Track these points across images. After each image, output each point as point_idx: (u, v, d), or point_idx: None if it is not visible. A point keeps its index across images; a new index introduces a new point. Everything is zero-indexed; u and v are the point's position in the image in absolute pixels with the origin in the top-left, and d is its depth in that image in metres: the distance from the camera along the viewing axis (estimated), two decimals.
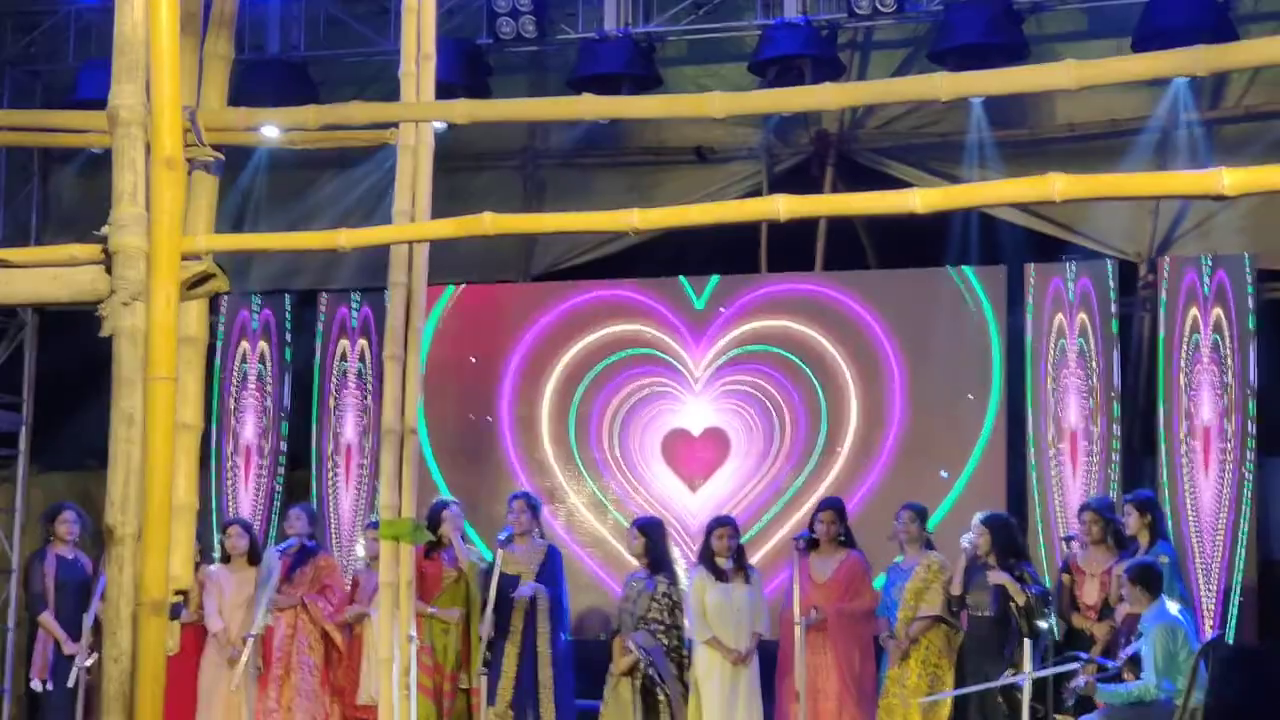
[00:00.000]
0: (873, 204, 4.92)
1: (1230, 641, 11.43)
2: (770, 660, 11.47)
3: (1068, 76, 5.58)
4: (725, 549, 11.52)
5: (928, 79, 5.81)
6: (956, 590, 11.06)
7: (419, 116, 7.15)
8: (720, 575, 11.51)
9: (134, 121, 5.14)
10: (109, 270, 4.97)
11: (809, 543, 11.48)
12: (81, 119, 8.23)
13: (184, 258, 5.04)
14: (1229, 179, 4.52)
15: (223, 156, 6.70)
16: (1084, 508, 11.28)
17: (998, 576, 10.87)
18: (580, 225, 5.96)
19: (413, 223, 7.26)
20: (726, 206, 5.98)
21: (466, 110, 6.51)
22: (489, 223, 4.92)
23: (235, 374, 14.15)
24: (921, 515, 11.45)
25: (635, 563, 11.83)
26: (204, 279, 5.04)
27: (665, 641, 11.43)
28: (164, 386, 4.86)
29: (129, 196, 5.01)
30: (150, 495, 4.85)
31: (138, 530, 4.85)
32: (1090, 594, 10.99)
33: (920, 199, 4.70)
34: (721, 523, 11.69)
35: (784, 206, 4.71)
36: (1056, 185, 4.57)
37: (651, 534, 11.73)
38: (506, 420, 13.72)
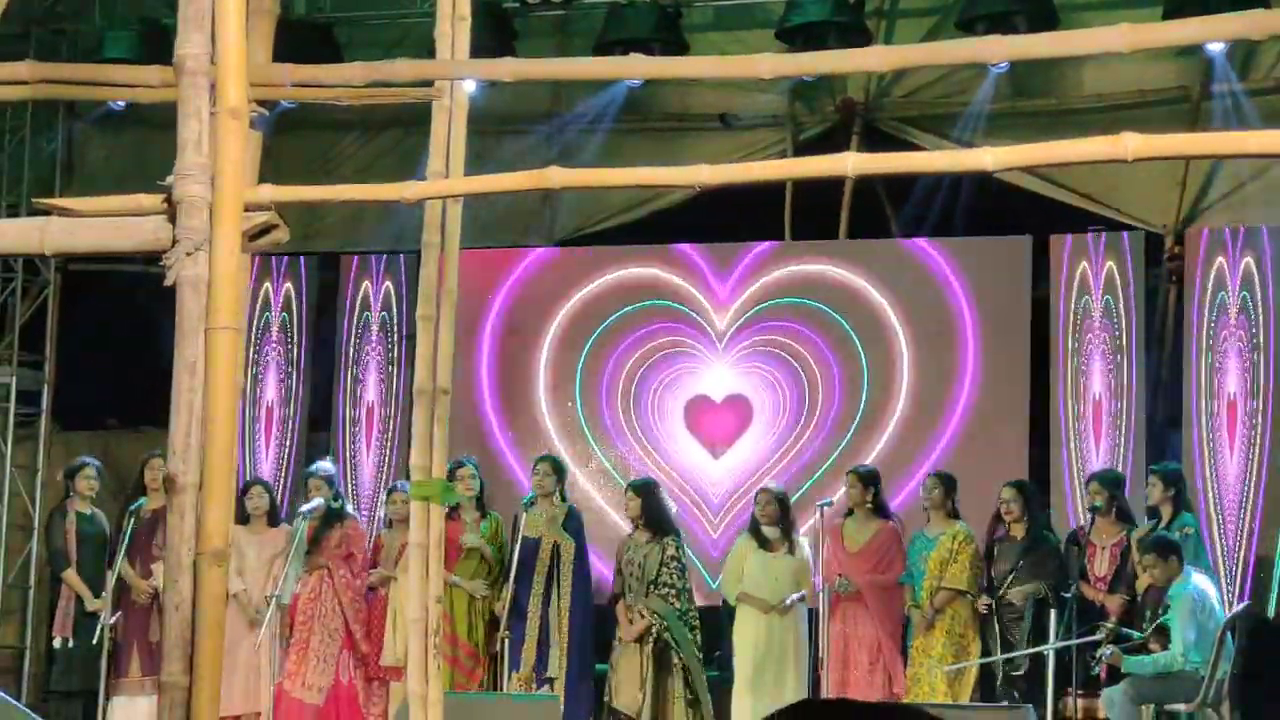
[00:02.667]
0: (944, 162, 4.90)
1: (1255, 613, 11.43)
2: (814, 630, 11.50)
3: (1120, 39, 5.55)
4: (768, 516, 11.53)
5: (977, 41, 5.81)
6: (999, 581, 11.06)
7: (464, 74, 7.11)
8: (764, 544, 11.52)
9: (200, 71, 5.12)
10: (172, 220, 4.97)
11: (846, 510, 11.53)
12: (112, 72, 8.19)
13: (246, 208, 5.05)
14: None
15: (267, 113, 6.66)
16: (1092, 478, 11.31)
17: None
18: (649, 179, 5.94)
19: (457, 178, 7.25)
20: (795, 163, 5.98)
21: (512, 69, 6.46)
22: (556, 177, 4.91)
23: (258, 337, 14.15)
24: (946, 482, 11.46)
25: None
26: (266, 230, 5.05)
27: (679, 605, 11.45)
28: (227, 336, 4.86)
29: (193, 146, 4.99)
30: (212, 445, 4.85)
31: (199, 480, 4.86)
32: (1100, 566, 11.01)
33: (992, 157, 4.69)
34: (764, 491, 11.73)
35: (853, 164, 4.70)
36: (1129, 144, 4.56)
37: (647, 495, 11.74)
38: (537, 383, 13.70)
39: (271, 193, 5.17)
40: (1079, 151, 4.76)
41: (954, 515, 11.40)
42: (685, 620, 11.46)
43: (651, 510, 11.66)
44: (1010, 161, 4.63)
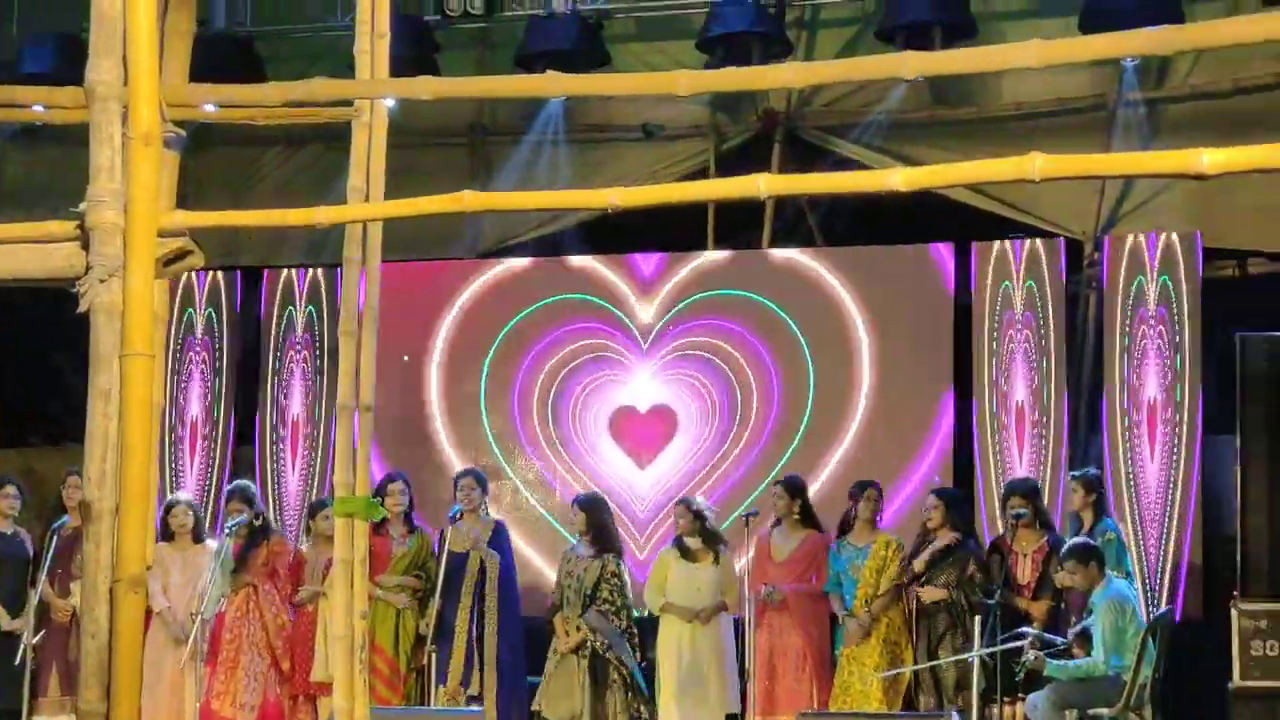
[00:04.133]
0: (854, 182, 4.94)
1: (1176, 617, 11.54)
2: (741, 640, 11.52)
3: (1033, 55, 5.61)
4: (687, 528, 11.56)
5: (894, 57, 5.83)
6: (920, 567, 11.11)
7: (382, 93, 7.12)
8: (686, 554, 11.55)
9: (111, 97, 5.11)
10: (85, 247, 4.95)
11: (774, 520, 11.57)
12: (26, 93, 8.15)
13: (160, 234, 5.02)
14: (1209, 159, 4.56)
15: (184, 133, 6.66)
16: (1011, 489, 11.37)
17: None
18: (561, 202, 5.95)
19: (367, 199, 7.25)
20: (708, 185, 5.99)
21: (431, 87, 6.48)
22: (470, 199, 4.92)
23: (181, 352, 14.07)
24: (878, 492, 11.50)
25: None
26: (181, 255, 5.03)
27: (619, 623, 11.45)
28: (141, 363, 4.85)
29: (106, 172, 4.98)
30: (128, 471, 4.84)
31: (115, 506, 4.84)
32: (1024, 573, 11.07)
33: (901, 177, 4.72)
34: (681, 503, 11.76)
35: (764, 184, 4.72)
36: (1036, 164, 4.60)
37: (593, 510, 11.75)
38: (463, 396, 13.69)
39: (185, 218, 5.17)
40: (987, 172, 4.80)
41: (879, 523, 11.45)
42: (625, 636, 11.47)
43: (597, 526, 11.67)
44: (920, 182, 4.66)
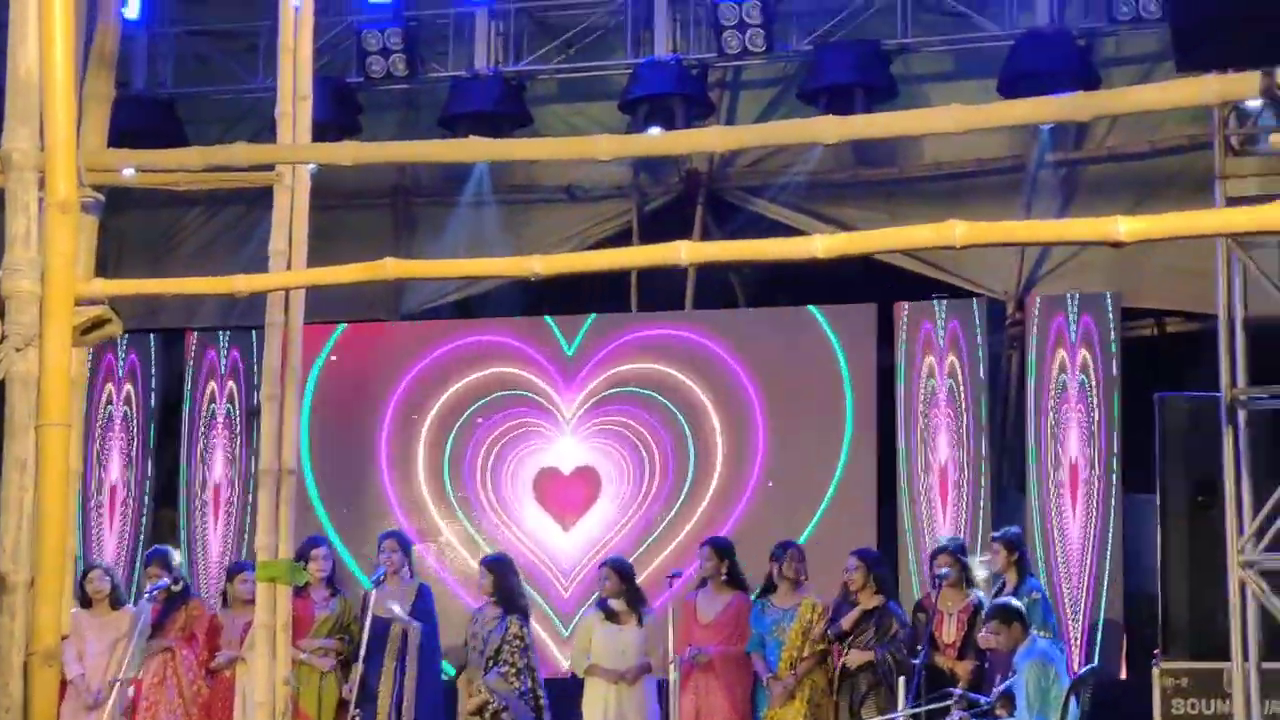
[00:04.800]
0: (774, 250, 4.95)
1: (1099, 676, 11.56)
2: (664, 702, 11.48)
3: (952, 120, 5.66)
4: (612, 590, 11.52)
5: (813, 122, 5.86)
6: (848, 625, 11.10)
7: (303, 159, 7.11)
8: (611, 616, 11.52)
9: (28, 166, 5.07)
10: (1, 315, 4.90)
11: (699, 582, 11.56)
12: None
13: (78, 302, 4.98)
14: (1125, 226, 4.60)
15: (103, 198, 6.62)
16: (939, 549, 11.38)
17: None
18: (483, 270, 5.94)
19: (289, 262, 7.22)
20: (629, 252, 5.99)
21: (352, 153, 6.46)
22: (391, 268, 4.91)
23: (101, 415, 13.96)
24: (801, 554, 11.49)
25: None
26: (99, 324, 4.99)
27: (519, 684, 11.39)
28: (58, 433, 4.80)
29: (22, 240, 4.94)
30: (43, 543, 4.78)
31: (30, 578, 4.78)
32: (949, 633, 11.08)
33: (821, 245, 4.73)
34: (606, 564, 11.73)
35: (686, 253, 4.73)
36: (957, 231, 4.63)
37: (499, 571, 11.71)
38: (383, 459, 13.64)
39: (104, 286, 5.13)
40: (909, 239, 4.82)
41: (803, 585, 11.43)
42: (526, 700, 11.41)
43: (502, 587, 11.62)
44: (840, 249, 4.68)
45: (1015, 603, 10.64)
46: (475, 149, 6.36)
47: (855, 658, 11.02)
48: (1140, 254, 12.54)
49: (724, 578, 11.56)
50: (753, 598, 11.47)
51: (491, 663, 11.39)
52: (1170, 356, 13.00)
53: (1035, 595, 10.95)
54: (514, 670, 11.39)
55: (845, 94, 12.68)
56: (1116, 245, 4.54)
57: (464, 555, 13.41)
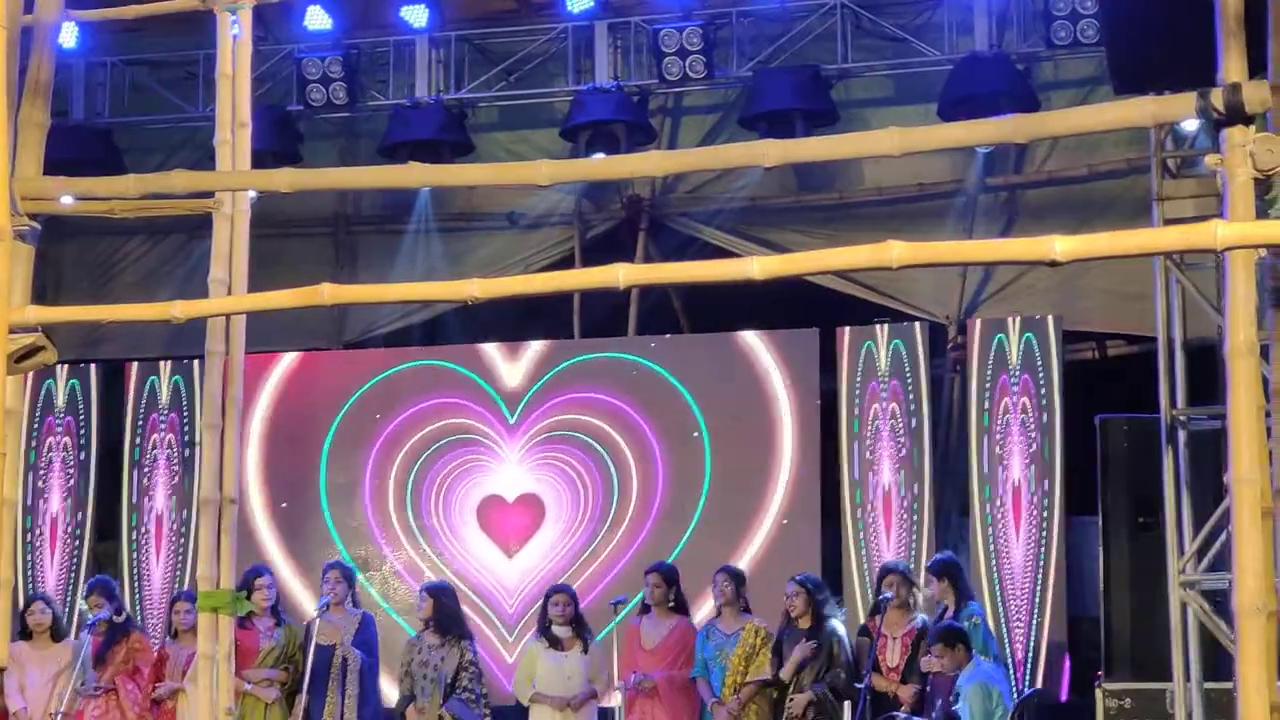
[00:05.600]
0: (711, 272, 4.95)
1: (1043, 698, 11.60)
2: None
3: (891, 143, 5.68)
4: (560, 617, 11.49)
5: (755, 145, 5.87)
6: (787, 677, 11.07)
7: (242, 185, 7.07)
8: (555, 643, 11.48)
9: None
10: None
11: (642, 607, 11.54)
12: None
13: (11, 330, 4.95)
14: (1061, 246, 4.61)
15: (39, 226, 6.58)
16: (886, 570, 11.39)
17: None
18: (421, 295, 5.93)
19: (230, 290, 7.18)
20: (567, 275, 5.99)
21: (290, 179, 6.43)
22: (328, 293, 4.88)
23: (41, 445, 13.87)
24: (737, 578, 11.49)
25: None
26: (33, 351, 4.95)
27: (477, 710, 11.36)
28: None
29: None
30: None
31: None
32: (892, 656, 11.08)
33: (758, 266, 4.73)
34: (557, 590, 11.68)
35: (624, 275, 4.73)
36: (894, 252, 4.64)
37: (441, 597, 11.67)
38: (326, 488, 13.60)
39: (37, 314, 5.10)
40: (846, 260, 4.83)
41: (746, 609, 11.43)
42: None
43: (444, 613, 11.57)
44: (777, 270, 4.68)
45: (958, 625, 10.67)
46: (414, 175, 6.35)
47: (798, 702, 11.01)
48: (1081, 278, 12.64)
49: (670, 604, 11.55)
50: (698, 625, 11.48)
51: (450, 690, 11.34)
52: (1111, 379, 13.07)
53: (975, 620, 10.95)
54: (474, 697, 11.36)
55: (785, 119, 12.73)
56: (1053, 264, 4.56)
57: (408, 584, 13.36)
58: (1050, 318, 12.53)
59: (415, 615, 13.08)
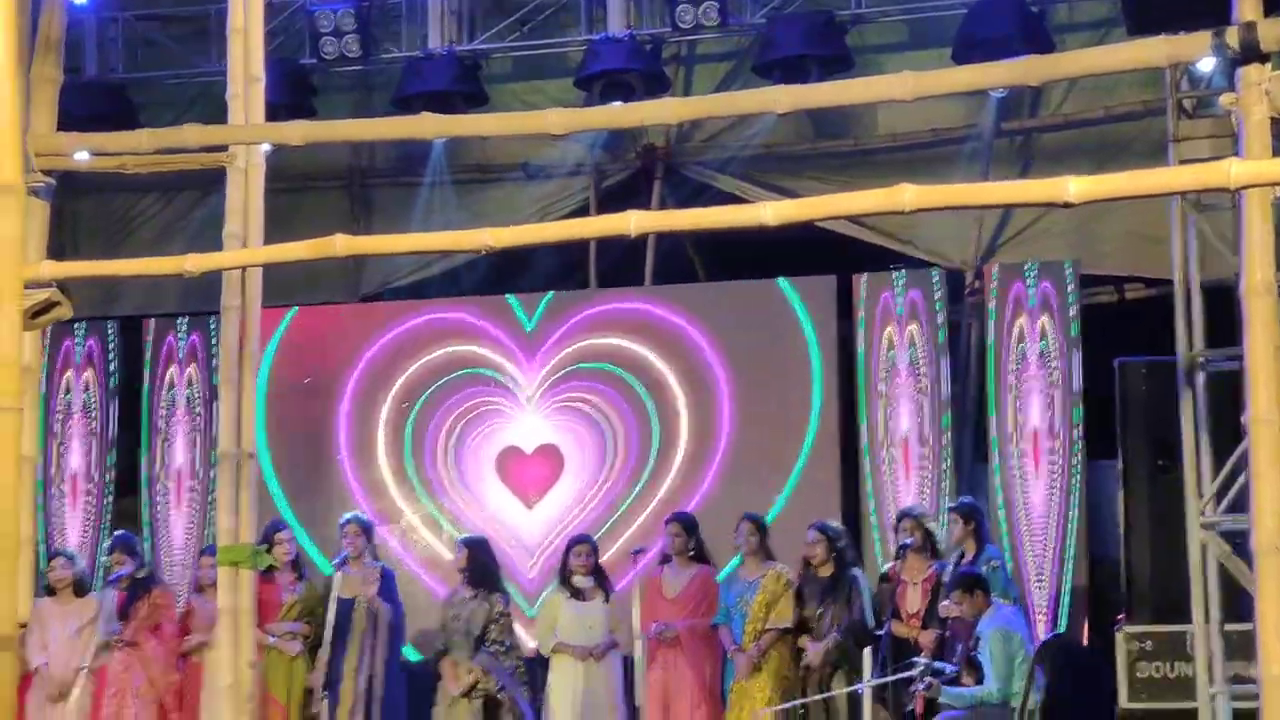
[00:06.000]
0: (724, 218, 4.94)
1: (1064, 642, 11.60)
2: (630, 678, 11.49)
3: (903, 87, 5.67)
4: (583, 567, 11.52)
5: (766, 92, 5.87)
6: (817, 661, 11.08)
7: (254, 139, 7.09)
8: (577, 594, 11.51)
9: None
10: None
11: (663, 557, 11.56)
12: None
13: (26, 285, 4.96)
14: (1075, 187, 4.59)
15: (54, 182, 6.60)
16: (903, 515, 11.40)
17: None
18: (435, 245, 5.94)
19: (244, 245, 7.19)
20: (580, 223, 5.99)
21: (302, 132, 6.45)
22: (341, 244, 4.88)
23: (60, 402, 13.91)
24: (760, 526, 11.50)
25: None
26: (48, 307, 4.96)
27: (507, 663, 11.40)
28: (9, 417, 4.77)
29: None
30: None
31: None
32: (912, 602, 11.09)
33: (771, 212, 4.72)
34: (579, 541, 11.71)
35: (636, 222, 4.72)
36: (907, 195, 4.62)
37: (477, 550, 11.70)
38: (344, 442, 13.62)
39: (51, 269, 5.11)
40: (858, 204, 4.82)
41: (769, 557, 11.44)
42: (516, 677, 11.42)
43: (478, 566, 11.60)
44: (790, 215, 4.67)
45: (976, 570, 10.67)
46: (427, 126, 6.35)
47: (815, 653, 11.02)
48: (1098, 221, 12.60)
49: (690, 553, 11.57)
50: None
51: (479, 642, 11.38)
52: (1130, 322, 13.02)
53: (994, 563, 10.97)
54: (503, 649, 11.40)
55: (800, 66, 12.66)
56: (1066, 206, 4.54)
57: (427, 537, 13.40)
58: (1067, 261, 12.48)
59: (435, 568, 13.16)
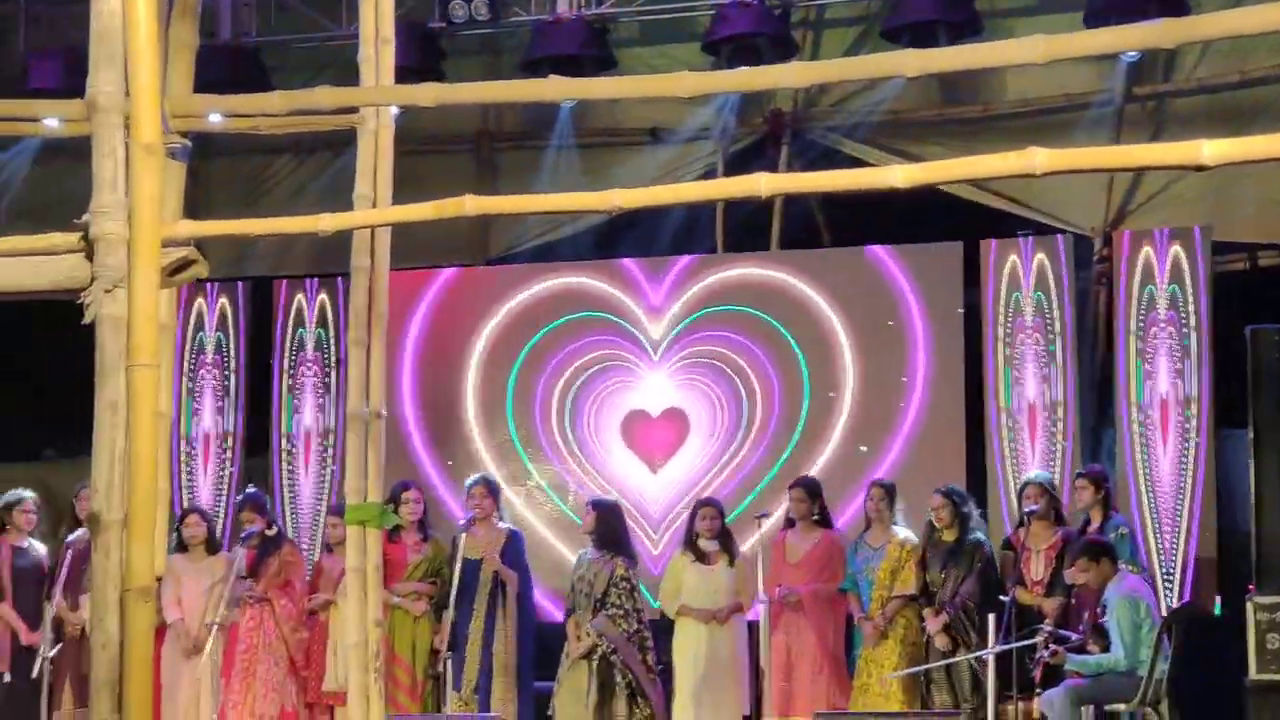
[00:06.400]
0: (853, 180, 4.93)
1: (1192, 611, 11.50)
2: (754, 642, 11.52)
3: (1035, 51, 5.61)
4: (707, 531, 11.56)
5: (895, 55, 5.83)
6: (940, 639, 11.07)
7: (385, 100, 7.13)
8: (701, 557, 11.55)
9: (113, 109, 5.13)
10: (89, 258, 4.98)
11: (786, 521, 11.58)
12: (33, 107, 8.18)
13: (164, 244, 5.04)
14: (1209, 150, 4.55)
15: (189, 144, 6.68)
16: (1028, 481, 11.34)
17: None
18: (564, 205, 5.97)
19: (374, 206, 7.25)
20: (710, 185, 5.99)
21: (433, 94, 6.48)
22: (471, 204, 4.93)
23: (192, 362, 14.09)
24: (890, 492, 11.50)
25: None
26: (184, 265, 5.05)
27: (626, 627, 11.45)
28: (147, 373, 4.87)
29: (109, 184, 5.00)
30: (135, 482, 4.86)
31: (123, 517, 4.86)
32: (1036, 569, 11.04)
33: (901, 174, 4.71)
34: (704, 504, 11.75)
35: (766, 184, 4.73)
36: (1038, 158, 4.60)
37: (605, 513, 11.75)
38: (470, 404, 13.72)
39: (189, 228, 5.19)
40: (989, 167, 4.79)
41: (895, 523, 11.44)
42: (634, 641, 11.47)
43: (605, 529, 11.66)
44: (920, 178, 4.66)
45: (1103, 539, 10.61)
46: (555, 88, 6.36)
47: (936, 624, 10.99)
48: (1231, 187, 12.43)
49: (814, 517, 11.59)
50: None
51: (599, 605, 11.45)
52: (1262, 290, 12.86)
53: (1123, 530, 10.91)
54: (622, 613, 11.46)
55: (928, 30, 12.59)
56: (1200, 169, 4.50)
57: (553, 499, 13.47)
58: (1199, 228, 12.33)
59: (561, 530, 13.24)
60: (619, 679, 11.41)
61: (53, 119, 7.18)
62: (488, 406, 13.68)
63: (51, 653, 11.48)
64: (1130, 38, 6.02)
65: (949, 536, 11.14)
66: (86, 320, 4.95)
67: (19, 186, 14.45)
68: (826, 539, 11.56)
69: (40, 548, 12.36)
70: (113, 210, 5.00)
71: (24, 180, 14.44)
